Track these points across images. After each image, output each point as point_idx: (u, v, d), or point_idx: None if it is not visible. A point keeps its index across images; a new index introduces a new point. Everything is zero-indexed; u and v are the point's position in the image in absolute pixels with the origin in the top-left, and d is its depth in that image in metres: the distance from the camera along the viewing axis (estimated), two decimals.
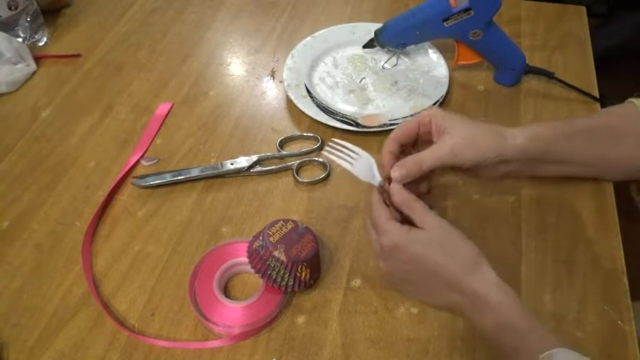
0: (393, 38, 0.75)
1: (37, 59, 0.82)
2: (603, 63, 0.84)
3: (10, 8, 0.81)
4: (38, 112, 0.75)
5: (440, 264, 0.46)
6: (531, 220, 0.60)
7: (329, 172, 0.66)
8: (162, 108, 0.74)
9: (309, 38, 0.81)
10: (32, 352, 0.52)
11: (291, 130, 0.71)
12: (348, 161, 0.53)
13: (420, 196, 0.51)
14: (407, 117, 0.70)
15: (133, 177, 0.65)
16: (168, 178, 0.65)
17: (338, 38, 0.82)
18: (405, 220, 0.49)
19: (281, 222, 0.54)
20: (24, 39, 0.83)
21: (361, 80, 0.77)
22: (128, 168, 0.67)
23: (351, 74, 0.78)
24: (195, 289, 0.54)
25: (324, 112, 0.71)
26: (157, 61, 0.82)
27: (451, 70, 0.76)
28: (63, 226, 0.62)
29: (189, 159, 0.68)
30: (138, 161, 0.68)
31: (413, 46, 0.78)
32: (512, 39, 0.72)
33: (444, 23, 0.69)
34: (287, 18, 0.89)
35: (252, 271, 0.54)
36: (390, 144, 0.54)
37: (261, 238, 0.53)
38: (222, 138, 0.71)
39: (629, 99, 0.58)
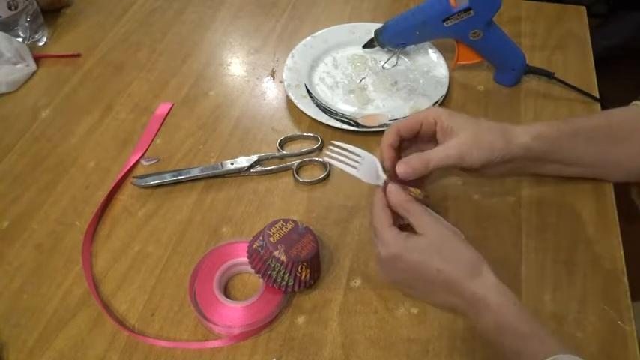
0: (393, 38, 0.75)
1: (37, 59, 0.82)
2: (603, 63, 0.84)
3: (10, 8, 0.80)
4: (38, 112, 0.75)
5: (439, 270, 0.46)
6: (531, 221, 0.60)
7: (329, 172, 0.66)
8: (162, 108, 0.74)
9: (309, 38, 0.81)
10: (32, 352, 0.52)
11: (291, 130, 0.71)
12: (352, 166, 0.53)
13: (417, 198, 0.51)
14: (407, 117, 0.70)
15: (133, 177, 0.65)
16: (168, 178, 0.65)
17: (338, 38, 0.81)
18: (407, 225, 0.49)
19: (281, 222, 0.54)
20: (24, 39, 0.83)
21: (361, 80, 0.77)
22: (128, 168, 0.67)
23: (351, 74, 0.78)
24: (195, 289, 0.54)
25: (324, 112, 0.71)
26: (157, 61, 0.82)
27: (451, 70, 0.76)
28: (63, 226, 0.62)
29: (189, 159, 0.68)
30: (138, 161, 0.68)
31: (413, 46, 0.78)
32: (512, 39, 0.72)
33: (444, 23, 0.69)
34: (287, 18, 0.88)
35: (252, 271, 0.53)
36: (390, 137, 0.53)
37: (261, 238, 0.53)
38: (222, 138, 0.71)
39: (634, 101, 0.58)
